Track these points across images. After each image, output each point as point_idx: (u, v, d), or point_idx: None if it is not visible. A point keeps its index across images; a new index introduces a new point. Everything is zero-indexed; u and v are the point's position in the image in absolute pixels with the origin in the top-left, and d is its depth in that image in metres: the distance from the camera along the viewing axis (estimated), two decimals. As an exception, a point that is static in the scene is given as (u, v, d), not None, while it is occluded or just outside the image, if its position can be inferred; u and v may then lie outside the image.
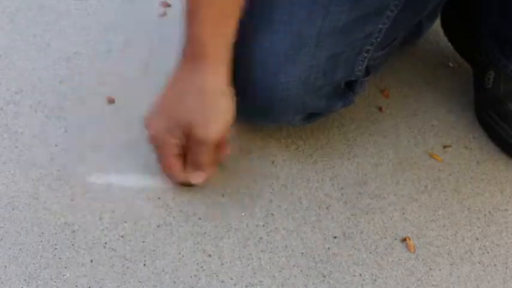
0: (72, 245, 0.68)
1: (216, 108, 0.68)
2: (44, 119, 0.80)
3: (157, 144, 0.70)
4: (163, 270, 0.67)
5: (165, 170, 0.72)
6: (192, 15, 0.66)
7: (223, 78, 0.68)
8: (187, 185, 0.74)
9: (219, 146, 0.71)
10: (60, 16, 0.95)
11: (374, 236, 0.73)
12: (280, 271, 0.68)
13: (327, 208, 0.75)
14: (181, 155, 0.70)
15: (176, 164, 0.71)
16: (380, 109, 0.88)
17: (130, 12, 0.98)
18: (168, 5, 1.00)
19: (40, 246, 0.67)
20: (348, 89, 0.79)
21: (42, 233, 0.68)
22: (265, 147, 0.81)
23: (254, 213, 0.73)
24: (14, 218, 0.69)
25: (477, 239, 0.74)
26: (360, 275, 0.69)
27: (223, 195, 0.75)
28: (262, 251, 0.70)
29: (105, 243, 0.68)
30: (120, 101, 0.83)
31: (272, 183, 0.77)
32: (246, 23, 0.72)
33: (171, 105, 0.69)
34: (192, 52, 0.67)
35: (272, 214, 0.74)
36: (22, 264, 0.65)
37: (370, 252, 0.71)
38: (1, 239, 0.67)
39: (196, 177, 0.72)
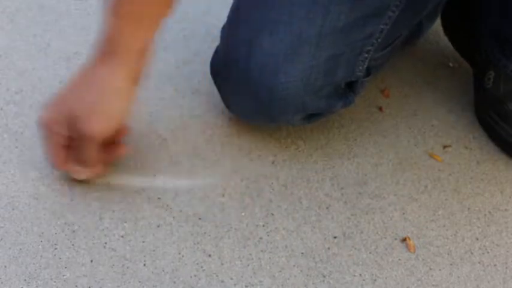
0: (72, 245, 0.68)
1: (104, 106, 0.67)
2: (44, 119, 0.80)
3: (44, 133, 0.69)
4: (163, 270, 0.67)
5: (49, 158, 0.70)
6: (111, 8, 0.65)
7: (124, 78, 0.67)
8: (80, 180, 0.72)
9: (109, 145, 0.70)
10: (60, 16, 0.95)
11: (374, 236, 0.73)
12: (280, 271, 0.68)
13: (327, 208, 0.75)
14: (67, 146, 0.69)
15: (59, 155, 0.69)
16: (380, 109, 0.88)
17: (130, 12, 0.98)
18: (168, 5, 1.00)
19: (40, 246, 0.67)
20: (348, 89, 0.79)
21: (42, 233, 0.68)
22: (265, 147, 0.81)
23: (254, 213, 0.73)
24: (14, 218, 0.69)
25: (477, 239, 0.74)
26: (360, 275, 0.69)
27: (223, 195, 0.75)
28: (262, 251, 0.70)
29: (105, 243, 0.68)
30: (120, 101, 0.83)
31: (272, 183, 0.77)
32: (245, 23, 0.73)
33: (67, 96, 0.68)
34: (101, 46, 0.66)
35: (272, 214, 0.74)
36: (22, 264, 0.65)
37: (370, 252, 0.71)
38: (1, 239, 0.67)
39: (78, 173, 0.71)
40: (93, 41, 0.68)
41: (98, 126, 0.66)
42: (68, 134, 0.67)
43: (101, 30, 0.66)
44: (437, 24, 0.94)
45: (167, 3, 0.66)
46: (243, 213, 0.73)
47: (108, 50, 0.66)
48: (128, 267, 0.67)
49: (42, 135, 0.69)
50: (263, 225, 0.72)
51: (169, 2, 0.66)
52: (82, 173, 0.71)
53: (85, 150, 0.68)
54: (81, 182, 0.73)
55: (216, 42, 0.78)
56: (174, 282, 0.66)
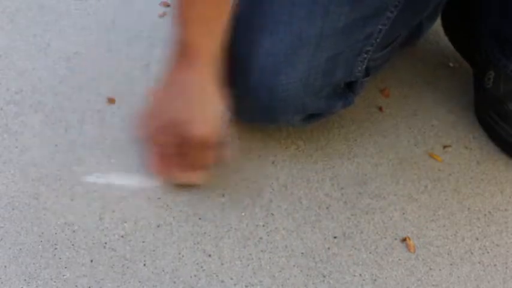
0: (72, 245, 0.68)
1: (203, 107, 0.68)
2: (44, 119, 0.80)
3: (150, 145, 0.71)
4: (163, 270, 0.67)
5: (160, 170, 0.72)
6: (178, 16, 0.66)
7: (211, 78, 0.68)
8: (185, 186, 0.73)
9: (213, 146, 0.71)
10: (60, 16, 0.95)
11: (374, 236, 0.73)
12: (280, 271, 0.68)
13: (327, 208, 0.75)
14: (176, 154, 0.71)
15: (165, 162, 0.71)
16: (380, 109, 0.88)
17: (130, 12, 0.98)
18: (168, 5, 1.00)
19: (40, 246, 0.67)
20: (347, 90, 0.79)
21: (42, 233, 0.68)
22: (265, 147, 0.81)
23: (254, 213, 0.73)
24: (14, 218, 0.69)
25: (477, 239, 0.74)
26: (360, 275, 0.69)
27: (223, 195, 0.75)
28: (262, 251, 0.70)
29: (105, 243, 0.68)
30: (120, 101, 0.83)
31: (272, 183, 0.77)
32: (246, 23, 0.73)
33: (161, 105, 0.69)
34: (179, 52, 0.68)
35: (272, 214, 0.74)
36: (22, 264, 0.65)
37: (370, 252, 0.71)
38: (1, 239, 0.67)
39: (192, 177, 0.72)
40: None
41: (204, 127, 0.68)
42: (175, 142, 0.69)
43: (174, 38, 0.67)
44: (437, 24, 0.94)
45: (227, 2, 0.67)
46: (243, 213, 0.73)
47: (187, 55, 0.67)
48: (127, 267, 0.67)
49: (149, 148, 0.71)
50: (263, 225, 0.72)
51: (229, 0, 0.67)
52: (195, 177, 0.73)
53: (195, 154, 0.70)
54: (82, 182, 0.73)
55: (216, 42, 0.78)
56: (174, 282, 0.66)
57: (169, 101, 0.69)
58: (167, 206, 0.73)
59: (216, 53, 0.69)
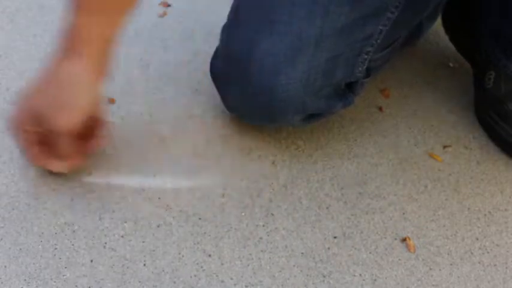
0: (72, 245, 0.68)
1: (68, 99, 0.67)
2: (44, 119, 0.80)
3: (15, 134, 0.70)
4: (163, 270, 0.67)
5: (26, 156, 0.72)
6: (72, 3, 0.64)
7: (86, 70, 0.66)
8: (57, 172, 0.73)
9: (84, 137, 0.70)
10: (60, 16, 0.95)
11: (374, 236, 0.73)
12: (280, 271, 0.68)
13: (327, 208, 0.75)
14: (42, 143, 0.70)
15: (32, 151, 0.70)
16: (380, 109, 0.88)
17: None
18: (168, 5, 1.00)
19: (40, 246, 0.67)
20: (347, 90, 0.79)
21: (42, 233, 0.68)
22: (265, 147, 0.81)
23: (254, 213, 0.73)
24: (14, 218, 0.69)
25: (477, 239, 0.74)
26: (360, 275, 0.69)
27: (223, 195, 0.75)
28: (262, 251, 0.70)
29: (105, 243, 0.68)
30: (120, 101, 0.83)
31: (272, 183, 0.77)
32: (245, 23, 0.73)
33: (32, 93, 0.68)
34: (64, 41, 0.66)
35: (272, 214, 0.74)
36: (22, 264, 0.65)
37: (370, 252, 0.71)
38: (1, 239, 0.67)
39: (56, 166, 0.71)
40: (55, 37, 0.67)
41: (64, 119, 0.67)
42: (38, 130, 0.68)
43: (61, 25, 0.66)
44: (438, 24, 0.94)
45: (126, 3, 0.65)
46: (243, 213, 0.73)
47: (69, 44, 0.65)
48: (128, 267, 0.67)
49: (13, 134, 0.70)
50: (263, 225, 0.72)
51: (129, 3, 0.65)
52: (59, 166, 0.71)
53: (58, 144, 0.69)
54: (82, 182, 0.73)
55: (216, 42, 0.78)
56: (174, 282, 0.66)
57: (38, 89, 0.68)
58: (167, 206, 0.73)
59: (107, 43, 0.67)
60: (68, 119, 0.67)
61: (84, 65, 0.66)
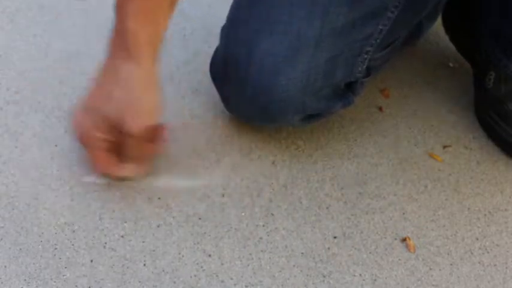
0: (72, 245, 0.68)
1: (142, 102, 0.67)
2: (44, 119, 0.80)
3: (83, 141, 0.69)
4: (163, 270, 0.67)
5: (98, 168, 0.71)
6: (119, 7, 0.65)
7: (149, 71, 0.67)
8: (123, 179, 0.73)
9: (151, 140, 0.70)
10: (60, 16, 0.95)
11: (374, 236, 0.73)
12: (280, 271, 0.68)
13: (327, 208, 0.75)
14: (112, 149, 0.69)
15: (102, 157, 0.69)
16: (380, 109, 0.88)
17: (130, 12, 0.98)
18: (168, 5, 1.00)
19: (40, 246, 0.67)
20: (347, 90, 0.79)
21: (42, 233, 0.68)
22: (265, 147, 0.81)
23: (254, 213, 0.73)
24: (14, 218, 0.69)
25: (477, 239, 0.74)
26: (360, 275, 0.69)
27: (223, 195, 0.75)
28: (262, 251, 0.70)
29: (105, 243, 0.68)
30: (120, 101, 0.83)
31: (272, 183, 0.77)
32: (245, 23, 0.73)
33: (96, 99, 0.68)
34: (118, 45, 0.66)
35: (272, 214, 0.74)
36: (22, 264, 0.65)
37: (370, 252, 0.71)
38: (1, 239, 0.67)
39: (124, 170, 0.71)
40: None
41: (138, 121, 0.66)
42: (108, 137, 0.68)
43: (113, 27, 0.66)
44: (438, 25, 0.94)
45: (170, 4, 0.66)
46: (243, 213, 0.73)
47: (122, 49, 0.65)
48: (128, 267, 0.67)
49: (83, 145, 0.70)
50: (263, 225, 0.72)
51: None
52: (130, 170, 0.71)
53: (131, 147, 0.69)
54: (82, 182, 0.73)
55: (216, 42, 0.78)
56: (174, 282, 0.66)
57: (105, 95, 0.67)
58: (167, 206, 0.73)
59: (157, 44, 0.67)
60: (142, 121, 0.67)
61: (143, 68, 0.66)
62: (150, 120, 0.68)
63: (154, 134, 0.70)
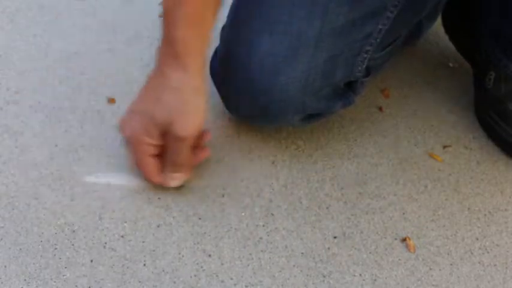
0: (72, 245, 0.68)
1: (192, 106, 0.68)
2: (44, 119, 0.80)
3: (132, 146, 0.70)
4: (163, 270, 0.67)
5: (142, 171, 0.71)
6: (167, 15, 0.66)
7: (198, 77, 0.68)
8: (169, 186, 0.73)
9: (195, 147, 0.71)
10: (60, 16, 0.95)
11: (374, 236, 0.73)
12: (280, 271, 0.68)
13: (327, 208, 0.75)
14: (158, 155, 0.70)
15: (152, 164, 0.70)
16: (380, 109, 0.88)
17: (130, 12, 0.98)
18: (168, 5, 1.00)
19: (40, 246, 0.67)
20: (347, 90, 0.79)
21: (42, 233, 0.68)
22: (265, 147, 0.81)
23: (254, 213, 0.73)
24: (14, 218, 0.69)
25: (477, 239, 0.74)
26: (360, 275, 0.69)
27: (223, 195, 0.75)
28: (262, 251, 0.70)
29: (105, 243, 0.68)
30: (120, 101, 0.83)
31: (272, 183, 0.77)
32: (245, 23, 0.73)
33: (147, 104, 0.68)
34: (167, 51, 0.67)
35: (272, 214, 0.74)
36: (22, 264, 0.65)
37: (370, 252, 0.71)
38: (1, 239, 0.67)
39: (174, 180, 0.72)
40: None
41: (188, 125, 0.67)
42: (158, 142, 0.68)
43: (161, 35, 0.67)
44: (438, 24, 0.94)
45: (216, 3, 0.67)
46: (243, 213, 0.73)
47: (174, 53, 0.66)
48: (128, 267, 0.67)
49: (132, 150, 0.70)
50: (263, 225, 0.72)
51: (218, 1, 0.67)
52: (177, 180, 0.72)
53: (180, 153, 0.69)
54: (82, 182, 0.73)
55: (215, 42, 0.78)
56: (174, 282, 0.66)
57: (155, 100, 0.68)
58: (167, 206, 0.73)
59: (204, 53, 0.69)
60: (191, 124, 0.68)
61: (195, 72, 0.67)
62: (199, 123, 0.69)
63: (200, 139, 0.71)
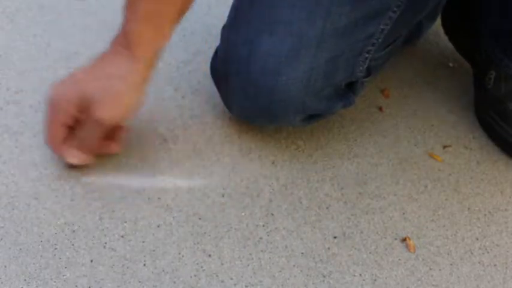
0: (72, 245, 0.68)
1: (122, 96, 0.68)
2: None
3: (51, 107, 0.69)
4: (163, 270, 0.67)
5: (47, 136, 0.70)
6: (128, 8, 0.67)
7: (142, 73, 0.68)
8: (70, 166, 0.73)
9: (110, 137, 0.71)
10: (60, 16, 0.95)
11: (374, 236, 0.73)
12: (280, 271, 0.68)
13: (327, 208, 0.75)
14: (69, 128, 0.69)
15: (59, 132, 0.69)
16: (380, 109, 0.88)
17: (130, 12, 0.98)
18: (168, 5, 1.00)
19: (40, 246, 0.67)
20: (348, 90, 0.79)
21: (42, 233, 0.68)
22: (265, 147, 0.81)
23: (254, 213, 0.73)
24: (14, 218, 0.69)
25: (477, 239, 0.74)
26: (360, 275, 0.69)
27: (223, 195, 0.75)
28: (262, 251, 0.70)
29: (105, 243, 0.68)
30: (120, 101, 0.83)
31: (272, 183, 0.77)
32: (246, 23, 0.73)
33: (85, 77, 0.68)
34: (120, 41, 0.68)
35: (272, 214, 0.74)
36: (22, 264, 0.65)
37: (370, 252, 0.71)
38: (1, 239, 0.67)
39: (72, 157, 0.71)
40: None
41: (111, 111, 0.67)
42: (75, 114, 0.68)
43: (120, 24, 0.67)
44: (438, 24, 0.94)
45: (178, 7, 0.67)
46: (243, 213, 0.73)
47: (126, 44, 0.67)
48: (128, 267, 0.67)
49: (48, 111, 0.69)
50: (263, 225, 0.72)
51: (181, 6, 0.68)
52: (75, 157, 0.71)
53: (90, 133, 0.69)
54: (82, 182, 0.73)
55: (216, 42, 0.78)
56: (174, 282, 0.66)
57: (89, 75, 0.68)
58: (167, 206, 0.73)
59: (157, 50, 0.69)
60: (115, 112, 0.68)
61: (136, 65, 0.68)
62: (124, 116, 0.69)
63: (116, 131, 0.71)
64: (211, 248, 0.69)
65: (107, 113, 0.67)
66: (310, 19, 0.70)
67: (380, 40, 0.75)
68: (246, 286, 0.67)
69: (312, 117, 0.79)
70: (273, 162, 0.79)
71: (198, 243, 0.70)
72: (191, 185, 0.75)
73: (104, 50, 0.69)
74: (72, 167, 0.73)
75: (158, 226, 0.71)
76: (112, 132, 0.72)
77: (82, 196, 0.72)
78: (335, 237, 0.72)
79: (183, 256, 0.68)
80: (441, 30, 0.95)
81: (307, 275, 0.68)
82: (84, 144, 0.70)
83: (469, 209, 0.77)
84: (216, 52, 0.78)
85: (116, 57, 0.68)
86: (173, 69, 0.89)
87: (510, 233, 0.75)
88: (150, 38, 0.67)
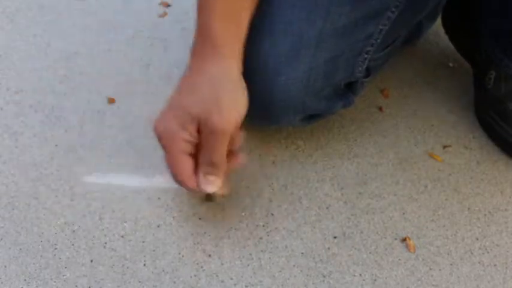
0: (72, 245, 0.68)
1: (229, 98, 0.63)
2: (44, 119, 0.80)
3: (166, 143, 0.63)
4: (163, 270, 0.67)
5: (175, 172, 0.64)
6: (202, 7, 0.65)
7: (234, 70, 0.65)
8: (207, 200, 0.72)
9: (228, 153, 0.65)
10: (60, 16, 0.95)
11: (374, 236, 0.73)
12: (280, 271, 0.68)
13: (327, 208, 0.75)
14: (193, 155, 0.64)
15: (187, 163, 0.63)
16: (380, 109, 0.89)
17: (130, 12, 0.98)
18: (168, 5, 1.00)
19: (40, 246, 0.67)
20: (347, 90, 0.79)
21: (42, 233, 0.68)
22: (265, 147, 0.81)
23: (254, 213, 0.73)
24: (14, 218, 0.69)
25: (477, 239, 0.74)
26: (360, 275, 0.69)
27: (223, 195, 0.75)
28: (262, 251, 0.70)
29: (105, 243, 0.68)
30: (120, 101, 0.83)
31: (272, 183, 0.77)
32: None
33: (182, 98, 0.64)
34: (203, 44, 0.65)
35: (272, 214, 0.74)
36: (22, 264, 0.65)
37: (370, 252, 0.71)
38: (1, 239, 0.67)
39: (208, 184, 0.64)
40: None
41: (230, 118, 0.61)
42: (191, 139, 0.63)
43: (195, 29, 0.65)
44: (438, 24, 0.94)
45: None
46: (243, 213, 0.73)
47: (207, 46, 0.64)
48: (127, 267, 0.67)
49: (164, 147, 0.63)
50: (263, 225, 0.72)
51: None
52: (214, 184, 0.64)
53: (215, 150, 0.63)
54: (82, 182, 0.73)
55: (216, 42, 0.78)
56: (174, 282, 0.66)
57: (191, 94, 0.63)
58: (167, 206, 0.73)
59: (240, 45, 0.66)
60: (230, 117, 0.62)
61: (230, 64, 0.64)
62: (237, 117, 0.63)
63: (233, 143, 0.65)
64: (211, 248, 0.69)
65: (222, 121, 0.61)
66: (310, 19, 0.70)
67: (379, 40, 0.75)
68: (246, 286, 0.67)
69: (312, 117, 0.79)
70: (273, 162, 0.79)
71: (198, 243, 0.70)
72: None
73: (186, 63, 0.65)
74: (206, 198, 0.70)
75: (158, 226, 0.71)
76: (229, 146, 0.64)
77: (82, 196, 0.72)
78: (335, 237, 0.72)
79: (183, 256, 0.68)
80: (441, 30, 0.95)
81: (307, 275, 0.68)
82: (213, 166, 0.64)
83: (469, 209, 0.77)
84: (216, 52, 0.78)
85: (205, 64, 0.64)
86: (173, 69, 0.89)
87: (510, 233, 0.75)
88: (233, 32, 0.64)
